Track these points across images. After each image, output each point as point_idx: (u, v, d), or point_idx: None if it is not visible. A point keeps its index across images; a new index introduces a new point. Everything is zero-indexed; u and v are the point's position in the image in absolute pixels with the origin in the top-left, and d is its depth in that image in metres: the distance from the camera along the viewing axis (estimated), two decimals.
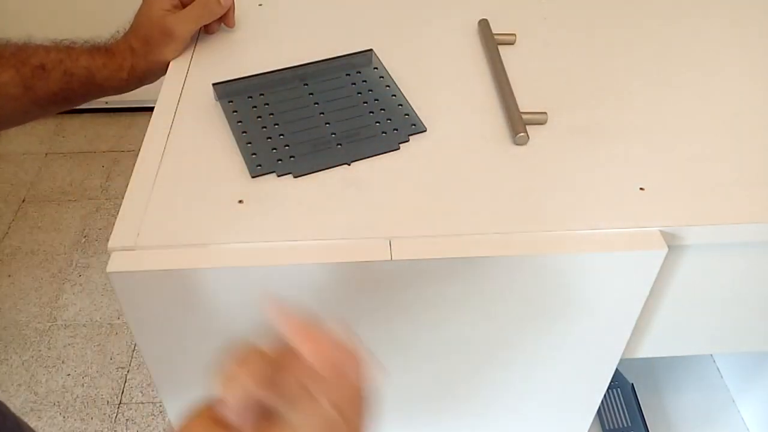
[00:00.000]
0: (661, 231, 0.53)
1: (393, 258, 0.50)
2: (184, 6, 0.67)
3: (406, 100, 0.64)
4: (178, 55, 0.68)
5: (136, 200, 0.54)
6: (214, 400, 0.35)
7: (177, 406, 0.62)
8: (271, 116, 0.62)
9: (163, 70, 0.67)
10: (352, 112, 0.63)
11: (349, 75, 0.67)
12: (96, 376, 1.53)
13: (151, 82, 0.68)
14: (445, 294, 0.53)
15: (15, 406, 1.44)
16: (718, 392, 1.06)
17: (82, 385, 1.51)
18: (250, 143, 0.59)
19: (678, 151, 0.60)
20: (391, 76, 0.66)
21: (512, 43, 0.72)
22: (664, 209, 0.55)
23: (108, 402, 1.48)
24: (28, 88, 0.63)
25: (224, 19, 0.71)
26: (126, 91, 0.68)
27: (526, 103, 0.63)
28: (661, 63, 0.70)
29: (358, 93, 0.65)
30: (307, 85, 0.65)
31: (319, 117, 0.62)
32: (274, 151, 0.58)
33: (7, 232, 1.84)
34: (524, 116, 0.61)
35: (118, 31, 0.67)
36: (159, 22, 0.66)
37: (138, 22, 0.66)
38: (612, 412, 1.01)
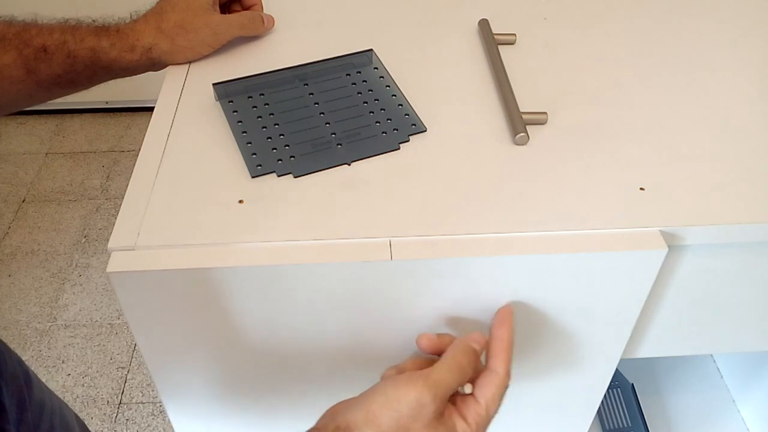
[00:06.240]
0: (661, 231, 0.53)
1: (393, 258, 0.50)
2: (221, 7, 0.68)
3: (406, 100, 0.64)
4: (206, 54, 0.67)
5: (136, 200, 0.54)
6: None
7: (177, 406, 0.62)
8: (271, 116, 0.62)
9: (179, 58, 0.66)
10: (352, 112, 0.63)
11: (349, 75, 0.67)
12: (96, 376, 1.53)
13: (159, 69, 0.67)
14: (445, 294, 0.53)
15: None
16: (718, 392, 1.06)
17: (82, 385, 1.51)
18: (250, 143, 0.59)
19: (678, 152, 0.60)
20: (391, 76, 0.66)
21: (512, 43, 0.72)
22: (664, 209, 0.55)
23: (108, 402, 1.48)
24: (31, 71, 0.61)
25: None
26: (135, 73, 0.66)
27: (526, 103, 0.63)
28: (661, 63, 0.70)
29: (358, 93, 0.65)
30: (307, 85, 0.65)
31: (319, 117, 0.62)
32: (274, 151, 0.58)
33: (7, 232, 1.84)
34: (524, 116, 0.61)
35: (133, 14, 0.66)
36: (204, 14, 0.65)
37: (172, 4, 0.65)
38: (612, 412, 1.01)
